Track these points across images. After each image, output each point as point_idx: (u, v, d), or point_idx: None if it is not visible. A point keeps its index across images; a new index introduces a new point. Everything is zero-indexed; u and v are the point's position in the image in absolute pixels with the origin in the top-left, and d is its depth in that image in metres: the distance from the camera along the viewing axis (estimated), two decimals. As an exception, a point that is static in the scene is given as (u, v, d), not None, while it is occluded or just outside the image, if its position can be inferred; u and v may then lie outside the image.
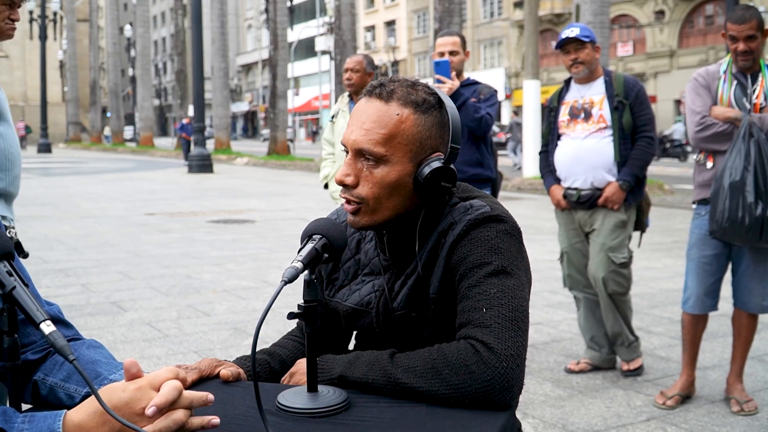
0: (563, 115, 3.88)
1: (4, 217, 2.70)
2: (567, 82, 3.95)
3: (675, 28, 34.95)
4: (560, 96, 3.94)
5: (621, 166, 3.74)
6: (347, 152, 1.44)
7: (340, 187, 1.45)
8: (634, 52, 36.68)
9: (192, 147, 22.65)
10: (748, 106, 3.29)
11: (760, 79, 3.33)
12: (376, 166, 1.41)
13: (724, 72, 3.40)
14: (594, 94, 3.81)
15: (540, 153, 4.07)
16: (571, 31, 3.75)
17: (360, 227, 1.46)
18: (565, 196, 3.87)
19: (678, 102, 32.31)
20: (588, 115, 3.79)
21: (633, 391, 3.64)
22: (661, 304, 5.41)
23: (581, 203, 3.81)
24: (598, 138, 3.76)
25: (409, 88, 1.43)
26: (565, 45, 3.76)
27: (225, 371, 1.39)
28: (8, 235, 2.71)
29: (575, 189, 3.83)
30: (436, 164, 1.41)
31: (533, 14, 18.84)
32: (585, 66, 3.76)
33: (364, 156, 1.41)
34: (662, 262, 6.88)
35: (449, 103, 1.46)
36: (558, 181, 3.92)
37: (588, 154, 3.77)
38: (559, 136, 3.90)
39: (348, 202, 1.44)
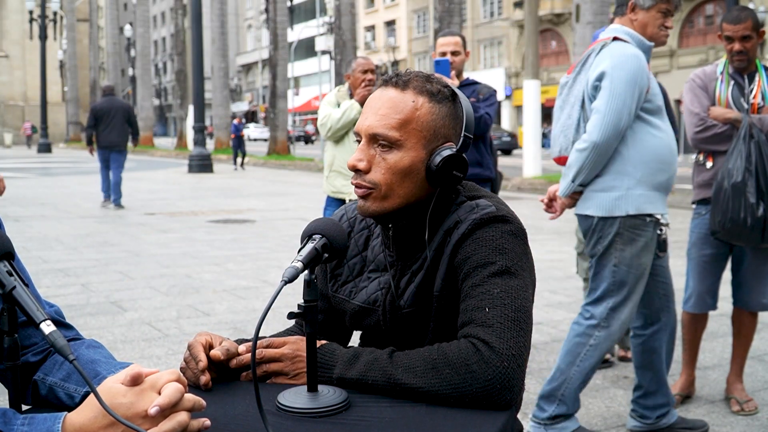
0: None
1: (662, 215, 2.83)
2: None
3: (675, 28, 34.94)
4: None
5: None
6: (359, 140, 1.45)
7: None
8: (634, 52, 36.65)
9: (192, 146, 22.57)
10: (745, 106, 3.30)
11: (756, 79, 3.34)
12: (389, 151, 1.42)
13: (721, 73, 3.41)
14: None
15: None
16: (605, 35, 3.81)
17: (369, 214, 1.46)
18: None
19: (678, 102, 32.29)
20: None
21: (633, 391, 3.63)
22: (661, 304, 5.41)
23: None
24: None
25: (425, 79, 1.45)
26: None
27: (215, 351, 1.36)
28: (659, 233, 2.83)
29: None
30: (448, 152, 1.42)
31: (533, 14, 18.84)
32: None
33: (377, 142, 1.42)
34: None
35: (463, 97, 1.49)
36: None
37: None
38: None
39: (359, 187, 1.44)
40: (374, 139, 1.43)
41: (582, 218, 2.91)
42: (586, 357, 2.86)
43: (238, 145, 23.19)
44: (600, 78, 2.75)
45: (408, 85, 1.44)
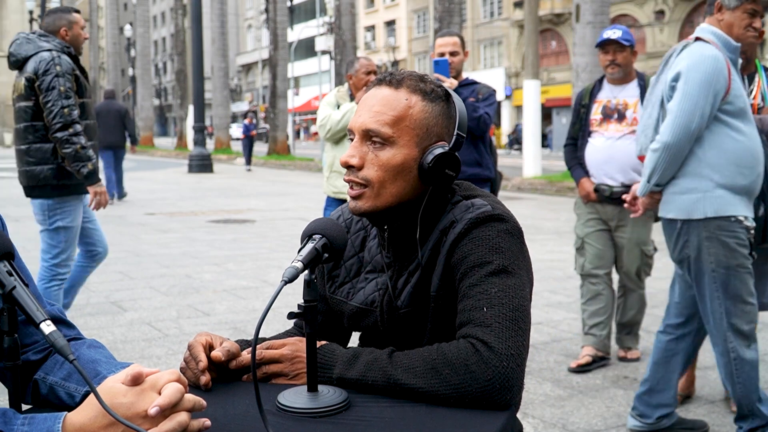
0: (595, 113, 3.99)
1: (745, 217, 2.78)
2: (600, 81, 4.06)
3: (675, 28, 34.93)
4: (592, 93, 4.02)
5: None
6: (353, 138, 1.46)
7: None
8: (634, 51, 36.62)
9: (192, 146, 22.31)
10: None
11: (756, 80, 3.35)
12: (382, 148, 1.42)
13: None
14: (628, 96, 3.92)
15: (566, 145, 4.19)
16: (613, 33, 3.87)
17: (362, 213, 1.45)
18: (596, 190, 3.95)
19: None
20: (621, 117, 3.91)
21: (633, 390, 3.63)
22: (662, 304, 5.39)
23: (613, 199, 3.92)
24: (631, 139, 3.86)
25: (418, 79, 1.46)
26: (605, 45, 3.86)
27: (216, 353, 1.36)
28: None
29: (607, 186, 3.92)
30: (440, 150, 1.43)
31: (533, 14, 18.85)
32: (621, 68, 3.89)
33: (370, 139, 1.43)
34: (662, 262, 6.87)
35: (456, 96, 1.50)
36: (587, 173, 4.01)
37: (620, 154, 3.88)
38: (589, 133, 3.99)
39: (352, 186, 1.45)
40: (367, 135, 1.43)
41: (666, 222, 2.90)
42: (739, 372, 2.83)
43: (248, 145, 22.61)
44: (676, 78, 2.76)
45: (401, 83, 1.45)
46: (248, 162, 22.74)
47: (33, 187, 3.85)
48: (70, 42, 3.92)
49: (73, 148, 3.70)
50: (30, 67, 3.75)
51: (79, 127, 3.72)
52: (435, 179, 1.43)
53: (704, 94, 2.69)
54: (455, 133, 1.47)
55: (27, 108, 3.79)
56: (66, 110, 3.68)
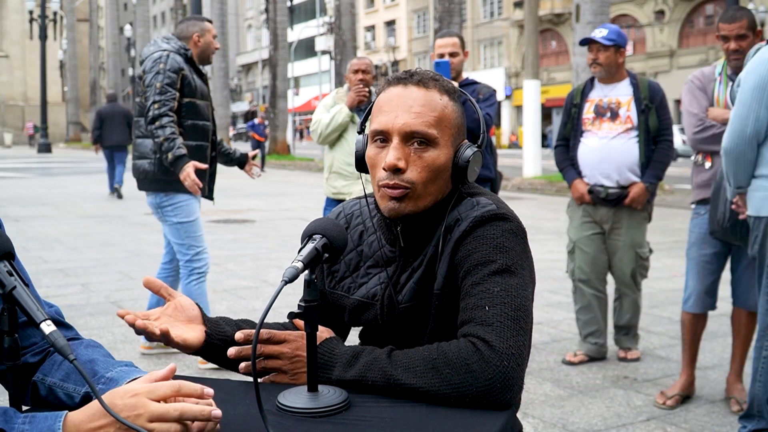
0: (588, 112, 3.97)
1: None
2: (591, 80, 4.05)
3: (675, 28, 34.94)
4: (583, 93, 4.00)
5: (643, 166, 3.85)
6: (384, 140, 1.43)
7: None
8: (634, 51, 36.64)
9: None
10: None
11: None
12: (425, 149, 1.42)
13: (720, 74, 3.43)
14: (621, 95, 3.91)
15: (557, 147, 4.15)
16: (599, 32, 3.88)
17: (404, 215, 1.44)
18: (590, 192, 3.92)
19: (678, 102, 32.33)
20: (615, 115, 3.89)
21: (633, 391, 3.64)
22: (661, 304, 5.41)
23: (608, 201, 3.89)
24: (626, 139, 3.85)
25: (440, 79, 1.47)
26: (589, 43, 3.87)
27: (231, 350, 1.38)
28: None
29: (602, 186, 3.89)
30: (474, 149, 1.46)
31: (533, 14, 18.87)
32: (602, 68, 3.87)
33: (413, 140, 1.42)
34: (662, 262, 6.87)
35: (470, 98, 1.55)
36: (579, 174, 3.98)
37: (616, 153, 3.87)
38: (582, 132, 3.97)
39: (393, 187, 1.42)
40: (410, 137, 1.41)
41: (748, 217, 2.92)
42: (764, 372, 2.83)
43: (256, 146, 21.54)
44: (739, 84, 2.79)
45: (428, 83, 1.44)
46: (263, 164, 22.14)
47: (139, 180, 4.05)
48: (202, 48, 4.06)
49: (157, 140, 3.81)
50: (143, 66, 3.94)
51: (165, 120, 3.81)
52: (465, 178, 1.45)
53: (757, 98, 2.70)
54: (482, 132, 1.49)
55: (138, 104, 4.01)
56: (156, 104, 3.80)
